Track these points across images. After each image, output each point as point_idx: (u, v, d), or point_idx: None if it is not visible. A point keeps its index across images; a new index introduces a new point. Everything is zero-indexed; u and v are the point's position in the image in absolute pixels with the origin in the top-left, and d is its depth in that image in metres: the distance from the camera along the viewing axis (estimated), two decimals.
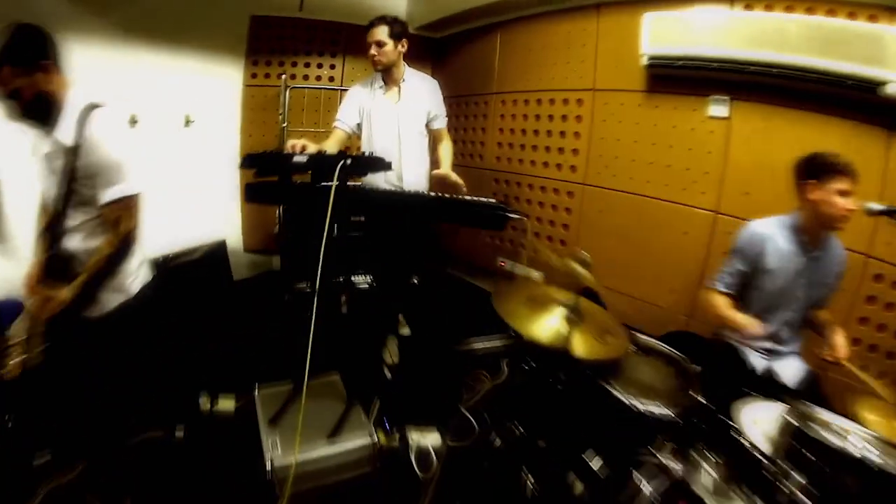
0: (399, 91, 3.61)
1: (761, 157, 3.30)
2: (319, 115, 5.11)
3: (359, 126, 3.64)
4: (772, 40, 2.98)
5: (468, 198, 2.69)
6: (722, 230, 3.45)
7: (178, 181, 4.57)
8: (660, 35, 3.44)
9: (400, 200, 2.99)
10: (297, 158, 2.57)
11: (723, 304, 2.61)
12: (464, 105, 5.34)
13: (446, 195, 2.78)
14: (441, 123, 3.80)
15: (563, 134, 4.37)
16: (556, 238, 4.48)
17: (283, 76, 4.89)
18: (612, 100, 4.00)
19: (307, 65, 5.21)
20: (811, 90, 3.00)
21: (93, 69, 3.52)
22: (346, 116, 3.61)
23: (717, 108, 3.45)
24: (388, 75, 3.56)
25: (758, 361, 2.63)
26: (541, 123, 4.55)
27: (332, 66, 5.30)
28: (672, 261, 3.75)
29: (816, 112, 3.10)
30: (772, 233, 2.55)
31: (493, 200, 2.58)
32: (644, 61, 3.53)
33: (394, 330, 3.59)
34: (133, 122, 4.25)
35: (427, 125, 3.72)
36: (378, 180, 3.53)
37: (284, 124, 4.97)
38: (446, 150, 3.78)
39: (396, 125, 3.60)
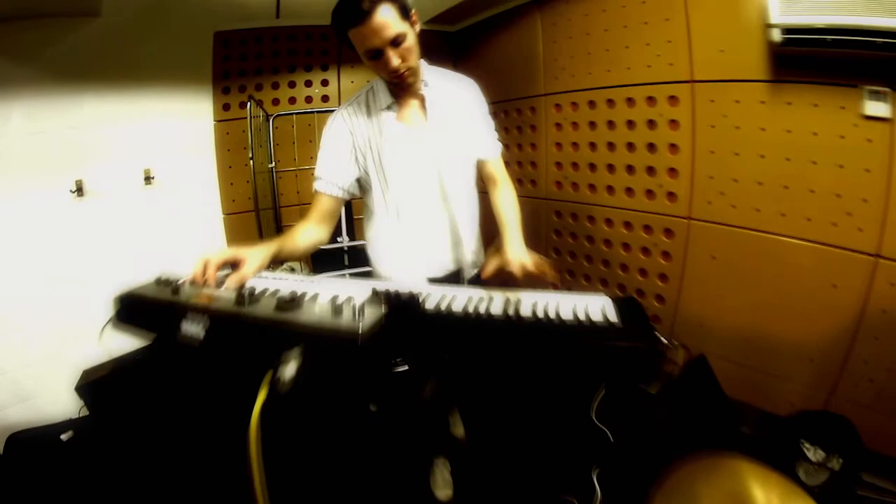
0: (422, 106, 2.15)
1: None
2: (314, 148, 4.02)
3: (359, 183, 2.24)
4: None
5: (569, 316, 1.46)
6: (884, 281, 2.53)
7: (142, 255, 3.92)
8: None
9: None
10: (188, 328, 1.37)
11: None
12: (502, 115, 4.29)
13: (532, 318, 1.46)
14: (493, 150, 2.33)
15: (651, 147, 3.25)
16: (650, 293, 3.40)
17: (249, 104, 3.86)
18: (721, 95, 2.89)
19: (292, 84, 4.39)
20: None
21: (19, 133, 3.45)
22: (334, 170, 2.17)
23: (876, 105, 2.43)
24: (401, 83, 2.09)
25: None
26: (617, 133, 3.43)
27: (325, 83, 4.47)
28: (812, 323, 2.80)
29: None
30: None
31: (617, 300, 1.61)
32: (774, 36, 2.47)
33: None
34: (78, 190, 3.67)
35: (474, 154, 2.31)
36: (395, 262, 2.30)
37: (272, 164, 4.14)
38: (507, 199, 2.27)
39: (434, 168, 2.18)
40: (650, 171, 3.28)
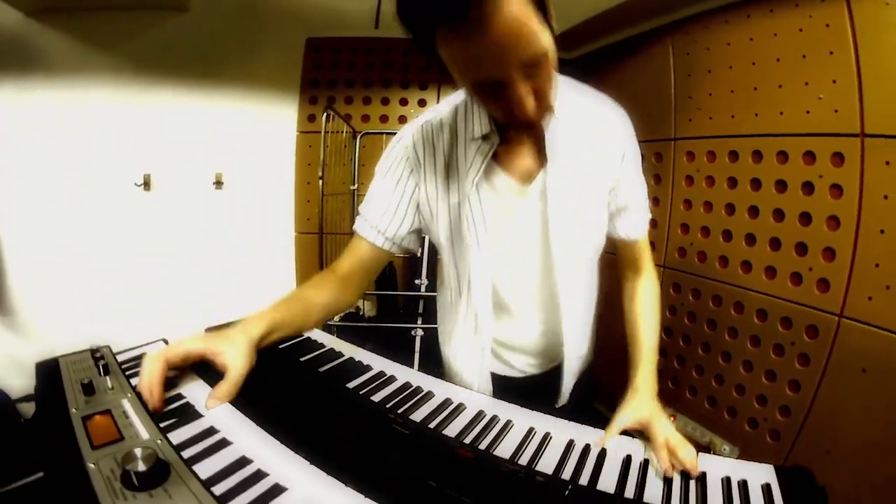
0: (540, 145, 1.38)
1: None
2: None
3: (415, 235, 1.58)
4: None
5: None
6: None
7: (202, 261, 4.06)
8: None
9: None
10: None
11: None
12: None
13: None
14: (640, 227, 1.60)
15: (805, 218, 2.68)
16: (774, 402, 2.81)
17: (326, 114, 3.63)
18: None
19: (385, 101, 4.27)
20: None
21: (96, 118, 3.58)
22: (382, 212, 1.50)
23: None
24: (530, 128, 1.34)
25: None
26: (763, 195, 2.88)
27: (422, 103, 4.24)
28: None
29: None
30: None
31: None
32: None
33: None
34: (146, 184, 3.84)
35: (611, 228, 1.59)
36: (466, 356, 1.65)
37: (353, 186, 4.10)
38: (647, 306, 1.63)
39: (539, 239, 1.47)
40: (800, 248, 2.70)
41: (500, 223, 1.43)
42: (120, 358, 1.26)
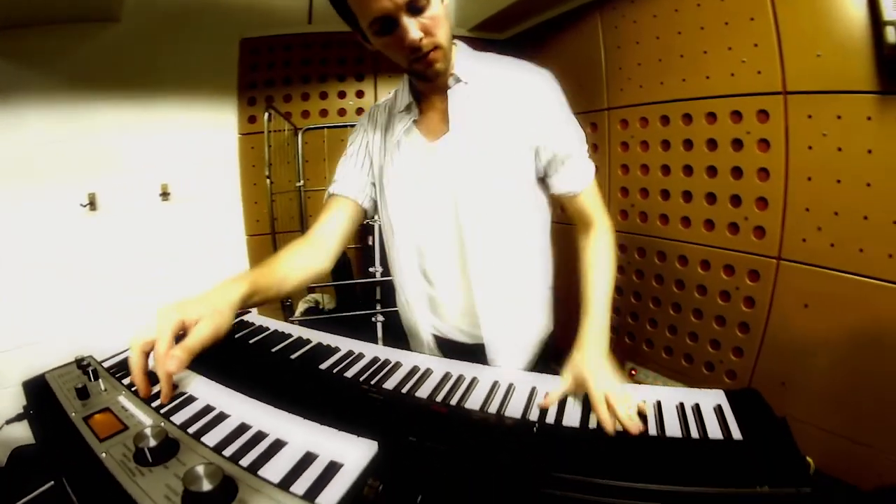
0: (444, 109, 1.58)
1: None
2: None
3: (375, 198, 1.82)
4: None
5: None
6: None
7: (163, 273, 3.98)
8: None
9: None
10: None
11: None
12: None
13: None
14: (582, 178, 1.64)
15: (737, 172, 2.90)
16: (727, 345, 3.05)
17: (267, 114, 3.72)
18: (820, 109, 2.53)
19: (323, 95, 4.27)
20: None
21: (32, 142, 3.48)
22: (352, 173, 1.77)
23: None
24: (426, 70, 1.51)
25: None
26: (695, 155, 3.09)
27: (360, 94, 4.29)
28: None
29: None
30: None
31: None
32: (890, 37, 2.16)
33: None
34: (91, 203, 3.71)
35: (544, 180, 1.67)
36: (412, 315, 1.81)
37: (300, 183, 4.02)
38: (598, 257, 1.65)
39: (450, 197, 1.60)
40: (735, 200, 2.94)
41: (416, 183, 1.63)
42: (105, 364, 1.33)
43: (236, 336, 1.66)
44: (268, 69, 4.13)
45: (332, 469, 0.89)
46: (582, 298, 1.58)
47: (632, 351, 3.56)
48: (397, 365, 1.47)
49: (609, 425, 1.15)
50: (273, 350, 1.54)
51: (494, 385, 1.34)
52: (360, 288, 3.99)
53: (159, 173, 3.94)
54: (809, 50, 2.52)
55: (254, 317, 1.83)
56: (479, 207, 1.57)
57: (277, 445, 0.97)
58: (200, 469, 0.79)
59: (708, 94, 2.98)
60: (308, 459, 0.92)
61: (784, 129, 2.67)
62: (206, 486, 0.76)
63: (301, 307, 4.07)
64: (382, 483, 0.88)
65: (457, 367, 1.45)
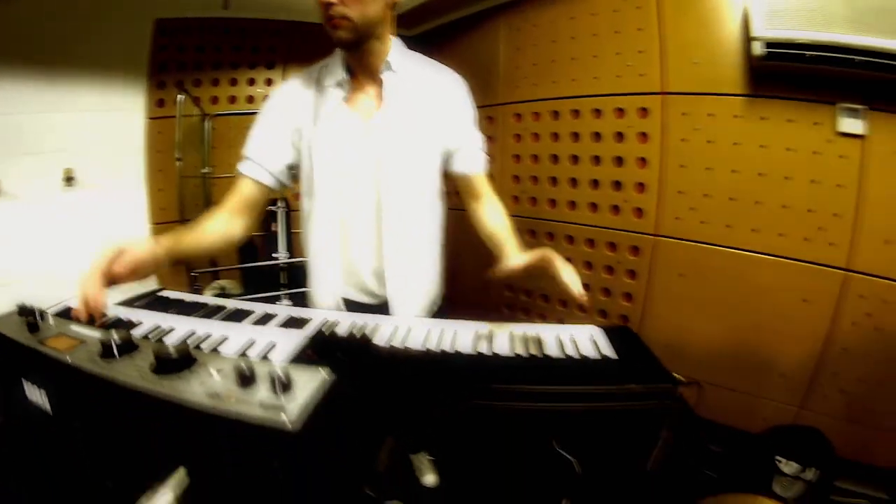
0: (379, 92, 1.82)
1: None
2: None
3: (290, 171, 1.92)
4: None
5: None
6: (854, 293, 2.73)
7: (66, 263, 3.56)
8: (782, 11, 2.56)
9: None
10: (30, 390, 1.13)
11: None
12: None
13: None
14: (476, 163, 1.96)
15: (619, 161, 3.30)
16: (614, 313, 3.43)
17: (180, 99, 3.78)
18: (694, 108, 2.99)
19: (233, 82, 4.22)
20: None
21: None
22: (265, 150, 1.87)
23: (850, 122, 2.65)
24: (357, 56, 1.78)
25: None
26: (581, 146, 3.46)
27: (269, 82, 4.26)
28: (783, 338, 2.96)
29: None
30: None
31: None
32: (756, 49, 2.60)
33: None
34: None
35: (448, 167, 1.94)
36: (323, 280, 1.97)
37: (205, 170, 4.00)
38: (498, 213, 1.94)
39: (373, 174, 1.82)
40: (616, 185, 3.33)
41: (340, 150, 1.80)
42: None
43: (158, 297, 1.79)
44: (180, 52, 4.01)
45: (273, 347, 1.12)
46: (497, 243, 1.81)
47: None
48: (311, 319, 1.57)
49: (579, 285, 1.38)
50: (195, 312, 1.63)
51: (402, 326, 1.51)
52: (265, 272, 4.08)
53: (63, 157, 3.71)
54: (687, 58, 2.94)
55: (168, 292, 1.89)
56: (398, 180, 1.81)
57: (223, 339, 1.23)
58: (167, 346, 0.96)
59: (595, 92, 3.34)
60: (252, 343, 1.16)
61: (661, 124, 3.09)
62: (174, 354, 0.94)
63: (208, 293, 4.02)
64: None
65: (365, 318, 1.60)
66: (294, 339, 1.20)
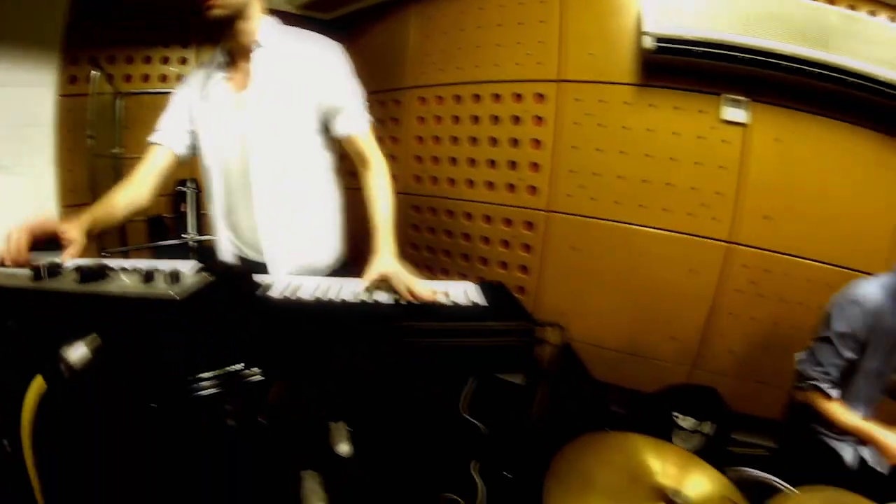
0: (249, 69, 1.93)
1: (787, 174, 3.03)
2: None
3: (194, 144, 2.09)
4: (804, 31, 2.73)
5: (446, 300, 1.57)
6: (737, 263, 3.12)
7: None
8: (672, 10, 2.86)
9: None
10: None
11: (842, 414, 2.13)
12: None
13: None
14: (356, 124, 2.02)
15: (515, 142, 3.54)
16: (511, 285, 3.54)
17: (93, 75, 3.71)
18: (587, 95, 3.27)
19: (147, 59, 4.12)
20: (853, 97, 2.78)
21: None
22: (171, 124, 2.06)
23: (733, 111, 3.01)
24: (231, 37, 1.90)
25: (848, 452, 2.22)
26: (481, 128, 3.68)
27: (183, 61, 4.22)
28: (673, 305, 3.31)
29: (851, 122, 2.93)
30: (881, 303, 2.09)
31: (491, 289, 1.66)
32: (647, 43, 2.89)
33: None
34: None
35: (332, 132, 2.04)
36: (220, 241, 2.17)
37: (116, 150, 3.92)
38: (378, 188, 2.01)
39: (241, 142, 1.96)
40: (512, 165, 3.55)
41: (222, 126, 1.97)
42: None
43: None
44: (94, 27, 3.80)
45: (177, 271, 1.22)
46: (372, 221, 1.94)
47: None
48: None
49: (419, 287, 1.55)
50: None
51: (295, 280, 1.73)
52: (175, 251, 4.10)
53: None
54: (584, 49, 3.22)
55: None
56: (266, 149, 1.95)
57: (134, 266, 1.38)
58: (86, 264, 1.24)
59: (496, 78, 3.57)
60: (158, 268, 1.28)
61: (557, 109, 3.35)
62: (94, 268, 1.19)
63: None
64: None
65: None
66: (190, 265, 1.35)
